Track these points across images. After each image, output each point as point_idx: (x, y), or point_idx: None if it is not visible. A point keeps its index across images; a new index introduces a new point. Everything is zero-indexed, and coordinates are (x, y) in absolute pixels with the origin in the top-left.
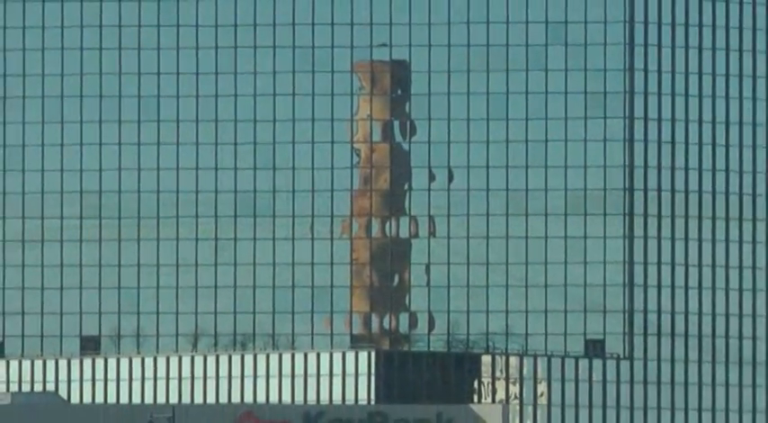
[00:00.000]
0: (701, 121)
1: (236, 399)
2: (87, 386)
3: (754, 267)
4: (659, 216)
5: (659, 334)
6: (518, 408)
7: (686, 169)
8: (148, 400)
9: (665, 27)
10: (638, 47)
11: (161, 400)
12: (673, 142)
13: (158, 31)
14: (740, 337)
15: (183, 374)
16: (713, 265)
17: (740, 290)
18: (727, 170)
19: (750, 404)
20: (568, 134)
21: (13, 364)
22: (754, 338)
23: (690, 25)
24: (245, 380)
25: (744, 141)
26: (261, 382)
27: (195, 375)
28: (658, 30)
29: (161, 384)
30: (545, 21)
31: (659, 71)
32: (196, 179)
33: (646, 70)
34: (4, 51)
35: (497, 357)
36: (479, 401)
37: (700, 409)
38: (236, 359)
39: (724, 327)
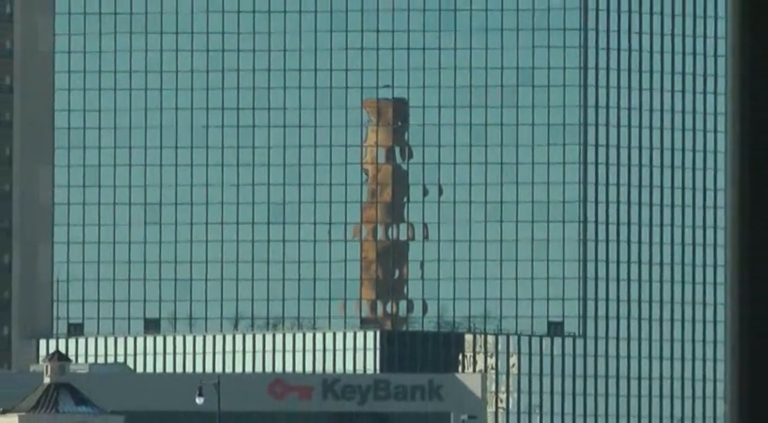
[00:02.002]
0: (640, 148)
1: (268, 369)
2: (149, 359)
3: (682, 264)
4: (606, 223)
5: (607, 317)
6: (494, 376)
7: (628, 185)
8: (198, 370)
9: (612, 71)
10: (591, 87)
11: (209, 370)
12: (618, 164)
13: (207, 76)
14: (660, 320)
15: (226, 349)
16: (650, 263)
17: (661, 281)
18: (660, 186)
19: (679, 372)
20: (535, 158)
21: (91, 340)
22: (671, 320)
23: (633, 70)
24: (276, 354)
25: (664, 162)
26: (288, 356)
27: (236, 350)
28: (607, 74)
29: (209, 358)
30: (516, 67)
31: (607, 107)
32: (237, 193)
33: (596, 107)
34: (91, 90)
35: (477, 336)
36: (463, 371)
37: (639, 378)
38: (268, 337)
39: (658, 311)
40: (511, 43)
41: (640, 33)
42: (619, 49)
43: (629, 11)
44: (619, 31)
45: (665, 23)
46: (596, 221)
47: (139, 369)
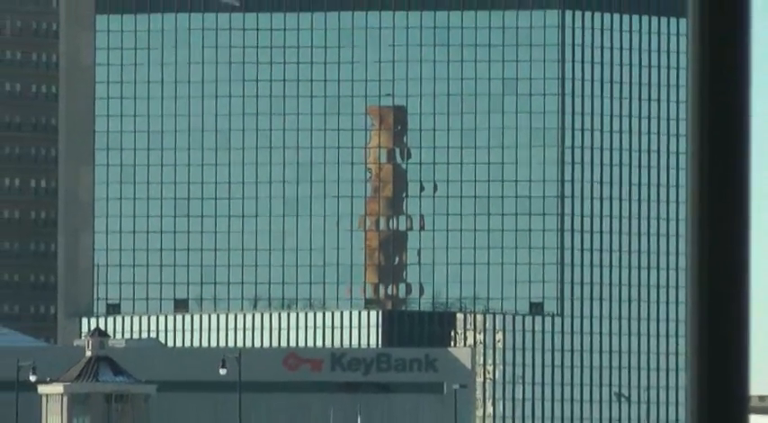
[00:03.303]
0: (611, 149)
1: (283, 344)
2: (178, 335)
3: (648, 252)
4: (581, 216)
5: (582, 299)
6: (482, 351)
7: (600, 182)
8: (221, 344)
9: (586, 82)
10: (567, 96)
11: (231, 344)
12: (591, 163)
13: (230, 85)
14: (629, 300)
15: (246, 326)
16: (619, 251)
17: (629, 267)
18: (628, 182)
19: (645, 347)
20: (518, 158)
21: (127, 319)
22: (638, 301)
23: (605, 81)
24: (290, 330)
25: (636, 162)
26: (301, 332)
27: (255, 327)
28: (582, 84)
29: (230, 334)
30: (502, 78)
31: (582, 113)
32: (256, 189)
33: (573, 113)
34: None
35: (467, 315)
36: (455, 346)
37: (610, 352)
38: (283, 316)
39: (626, 293)
40: (497, 57)
41: (612, 49)
42: (592, 63)
43: (602, 28)
44: (593, 46)
45: (634, 40)
46: (572, 214)
47: (170, 344)
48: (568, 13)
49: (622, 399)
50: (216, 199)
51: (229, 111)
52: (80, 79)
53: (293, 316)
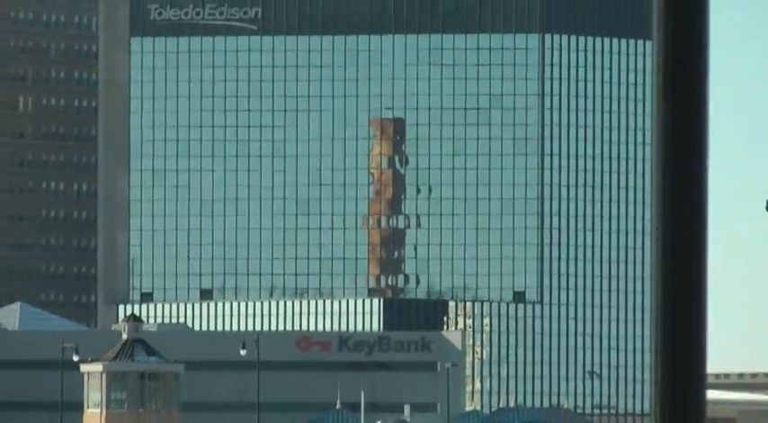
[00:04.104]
0: (585, 157)
1: (296, 328)
2: (204, 320)
3: (618, 247)
4: (559, 215)
5: (559, 288)
6: (471, 334)
7: (576, 187)
8: (242, 328)
9: (563, 98)
10: (547, 110)
11: (250, 328)
12: (567, 169)
13: (248, 100)
14: (601, 291)
15: (264, 313)
16: (593, 246)
17: (600, 261)
18: (600, 186)
19: (615, 331)
20: (503, 164)
21: (158, 306)
22: (609, 291)
23: (586, 96)
24: (302, 316)
25: (609, 168)
26: (312, 318)
27: (271, 313)
28: (559, 99)
29: (250, 319)
30: (489, 94)
31: (559, 125)
32: (272, 192)
33: (551, 124)
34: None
35: (458, 302)
36: (447, 330)
37: (584, 335)
38: (296, 303)
39: (598, 283)
40: (484, 75)
41: (585, 67)
42: (569, 80)
43: (577, 50)
44: (569, 65)
45: (605, 59)
46: (550, 214)
47: (196, 328)
48: (548, 37)
49: (594, 376)
50: (237, 200)
51: (248, 122)
52: (117, 95)
53: (305, 303)
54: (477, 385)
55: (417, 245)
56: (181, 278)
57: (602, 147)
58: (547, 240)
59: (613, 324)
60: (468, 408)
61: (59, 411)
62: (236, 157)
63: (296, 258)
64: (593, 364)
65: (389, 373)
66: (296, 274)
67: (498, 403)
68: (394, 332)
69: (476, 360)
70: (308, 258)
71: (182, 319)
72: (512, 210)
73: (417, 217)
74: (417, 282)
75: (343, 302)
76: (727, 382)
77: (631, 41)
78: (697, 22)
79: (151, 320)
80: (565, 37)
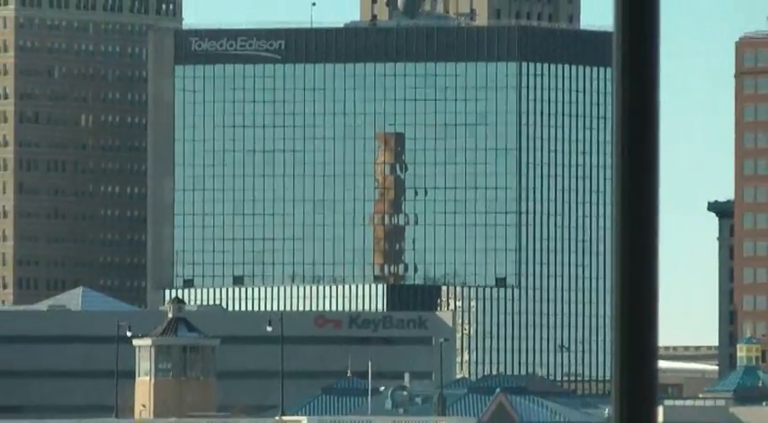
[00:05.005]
0: (562, 165)
1: (314, 309)
2: (236, 302)
3: (585, 240)
4: (534, 213)
5: (534, 275)
6: (460, 313)
7: (549, 189)
8: (268, 309)
9: (538, 114)
10: (524, 125)
11: (275, 309)
12: (542, 175)
13: (273, 117)
14: (569, 277)
15: (286, 296)
16: (562, 239)
17: (568, 252)
18: (569, 189)
19: (581, 311)
20: (487, 171)
21: (198, 290)
22: (577, 277)
23: (557, 114)
24: (318, 299)
25: (581, 172)
26: (327, 300)
27: (292, 296)
28: (534, 116)
29: (275, 301)
30: (475, 112)
31: (535, 138)
32: (293, 195)
33: (528, 137)
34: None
35: (449, 287)
36: (440, 310)
37: (555, 314)
38: (314, 288)
39: (567, 270)
40: (471, 96)
41: (557, 90)
42: (542, 100)
43: (549, 75)
44: (543, 88)
45: (572, 83)
46: (527, 212)
47: (229, 309)
48: (524, 64)
49: (563, 349)
50: (264, 201)
51: (273, 136)
52: (163, 113)
53: (321, 288)
54: (466, 357)
55: (415, 239)
56: (217, 267)
57: (571, 156)
58: (524, 235)
59: (580, 305)
60: (458, 375)
61: (115, 378)
62: (264, 164)
63: (313, 250)
64: (562, 339)
65: (392, 347)
66: (313, 264)
67: (483, 372)
68: (396, 312)
69: (464, 336)
70: (324, 250)
71: (217, 302)
72: (494, 209)
73: (415, 215)
74: (415, 270)
75: (353, 287)
76: (675, 354)
77: (595, 68)
78: (649, 56)
79: (192, 303)
80: (539, 64)
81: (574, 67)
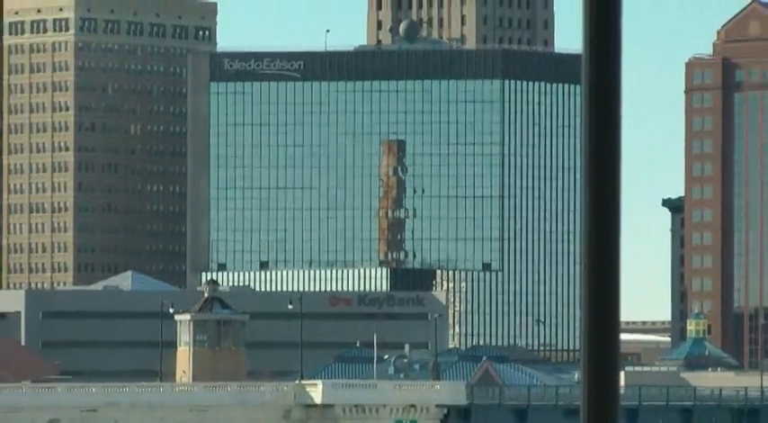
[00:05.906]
0: (539, 167)
1: (328, 289)
2: (263, 284)
3: (561, 231)
4: (515, 209)
5: (516, 261)
6: (452, 293)
7: (528, 188)
8: (289, 289)
9: (518, 125)
10: (506, 134)
11: (295, 289)
12: (522, 176)
13: (294, 127)
14: (546, 262)
15: (305, 278)
16: (542, 230)
17: (549, 240)
18: (544, 188)
19: (557, 291)
20: (475, 172)
21: (230, 273)
22: (552, 263)
23: (536, 124)
24: (332, 281)
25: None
26: (339, 282)
27: (310, 278)
28: (516, 126)
29: (295, 282)
30: (465, 122)
31: (515, 144)
32: (310, 191)
33: (509, 144)
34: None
35: (443, 271)
36: (435, 290)
37: (533, 293)
38: (328, 272)
39: (544, 257)
40: (461, 109)
41: (537, 104)
42: (523, 113)
43: (530, 91)
44: (524, 102)
45: (549, 98)
46: (509, 208)
47: (257, 289)
48: (506, 82)
49: (540, 323)
50: (286, 198)
51: (294, 142)
52: (200, 123)
53: (334, 271)
54: (457, 330)
55: (414, 230)
56: (245, 253)
57: (547, 161)
58: (506, 227)
59: (554, 286)
60: (450, 346)
61: (160, 348)
62: (286, 167)
63: (327, 239)
64: (539, 315)
65: (394, 321)
66: (328, 250)
67: (472, 342)
68: (397, 292)
69: (455, 312)
70: (336, 239)
71: (246, 283)
72: (481, 205)
73: (414, 210)
74: (414, 256)
75: (361, 270)
76: (635, 328)
77: (566, 85)
78: (612, 75)
79: (224, 284)
80: (519, 82)
81: (549, 85)
